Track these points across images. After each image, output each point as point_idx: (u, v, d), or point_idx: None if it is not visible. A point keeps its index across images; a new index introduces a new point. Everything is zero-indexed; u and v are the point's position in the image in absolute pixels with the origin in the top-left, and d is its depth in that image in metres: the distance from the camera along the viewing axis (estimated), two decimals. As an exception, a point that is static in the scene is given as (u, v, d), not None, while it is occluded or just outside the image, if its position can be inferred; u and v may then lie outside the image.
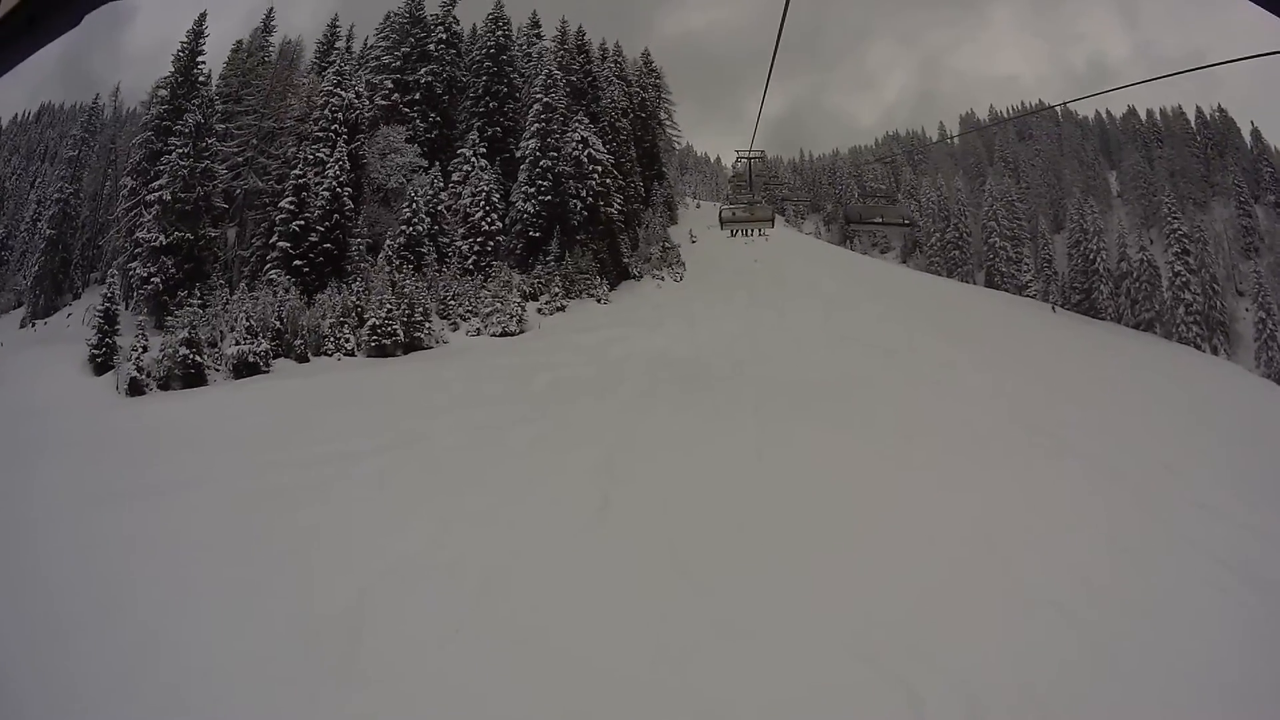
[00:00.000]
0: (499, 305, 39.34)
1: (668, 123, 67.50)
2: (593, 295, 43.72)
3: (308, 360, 34.45)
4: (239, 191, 43.79)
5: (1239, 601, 13.88)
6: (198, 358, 32.74)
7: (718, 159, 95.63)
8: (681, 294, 45.18)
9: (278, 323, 34.94)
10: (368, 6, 64.10)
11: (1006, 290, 58.14)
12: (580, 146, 46.62)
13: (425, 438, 20.45)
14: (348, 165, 42.17)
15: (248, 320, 34.23)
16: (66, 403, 28.86)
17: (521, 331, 38.90)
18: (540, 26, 57.43)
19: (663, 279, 48.07)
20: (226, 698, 10.15)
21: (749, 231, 26.16)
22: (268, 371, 33.23)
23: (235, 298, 37.13)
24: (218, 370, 33.22)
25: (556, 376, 28.02)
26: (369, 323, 35.68)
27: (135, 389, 31.83)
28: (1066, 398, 27.48)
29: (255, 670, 10.57)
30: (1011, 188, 65.42)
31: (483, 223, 43.93)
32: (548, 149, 46.90)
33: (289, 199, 40.66)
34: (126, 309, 38.83)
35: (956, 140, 79.01)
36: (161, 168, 41.14)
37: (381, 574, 12.95)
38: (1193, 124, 68.98)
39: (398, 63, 50.71)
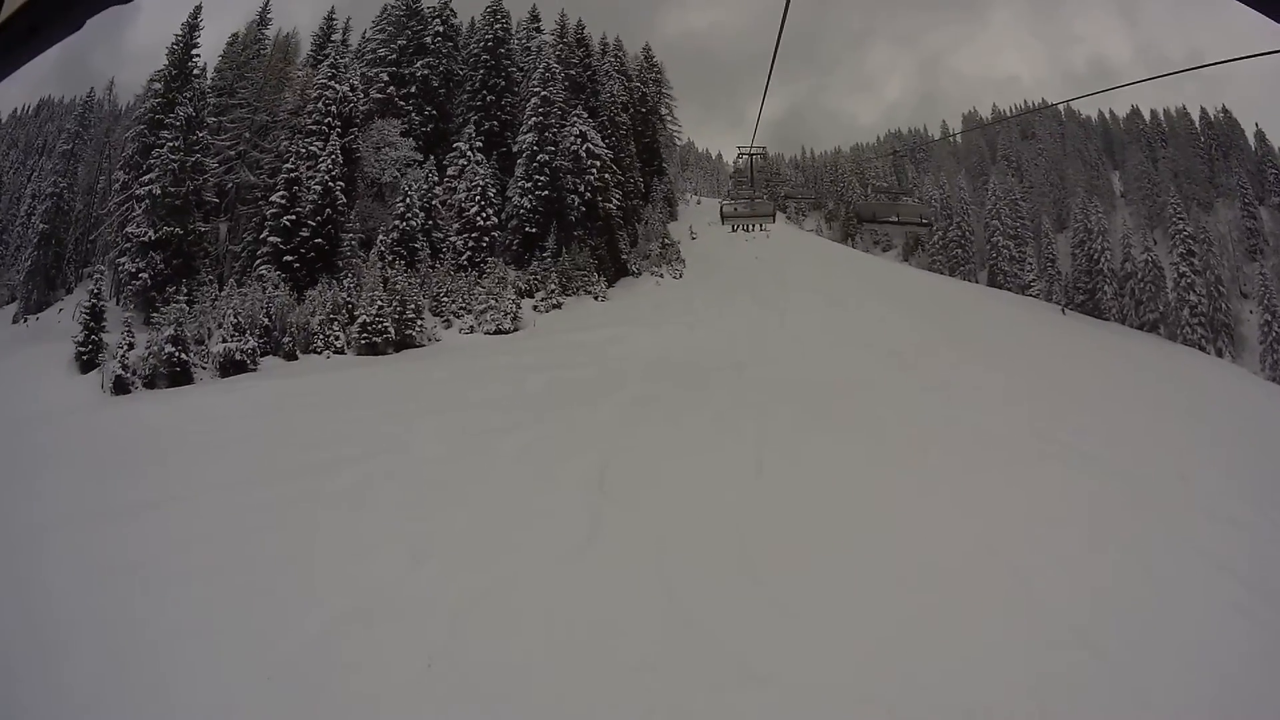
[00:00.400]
0: (493, 302, 38.44)
1: (668, 118, 66.63)
2: (590, 292, 42.80)
3: (296, 358, 33.65)
4: (230, 186, 42.99)
5: (1261, 623, 13.03)
6: (184, 356, 31.96)
7: (719, 155, 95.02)
8: (681, 292, 44.25)
9: (266, 320, 34.13)
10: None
11: (1009, 290, 57.52)
12: (579, 141, 45.74)
13: (408, 447, 19.44)
14: (341, 159, 41.33)
15: (235, 317, 33.41)
16: (45, 405, 28.02)
17: (516, 329, 38.03)
18: (539, 20, 56.61)
19: (662, 276, 47.17)
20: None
21: (749, 227, 26.50)
22: (255, 370, 32.44)
23: (224, 294, 36.36)
24: (204, 368, 32.45)
25: (550, 378, 26.99)
26: (359, 320, 34.84)
27: (120, 388, 31.13)
28: (1078, 403, 26.51)
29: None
30: (1015, 186, 64.85)
31: (478, 218, 43.03)
32: (545, 143, 46.01)
33: (280, 193, 39.85)
34: (117, 304, 38.19)
35: (959, 138, 78.63)
36: (152, 161, 40.38)
37: (347, 609, 11.96)
38: (1197, 125, 68.69)
39: (394, 56, 49.84)
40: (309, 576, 12.91)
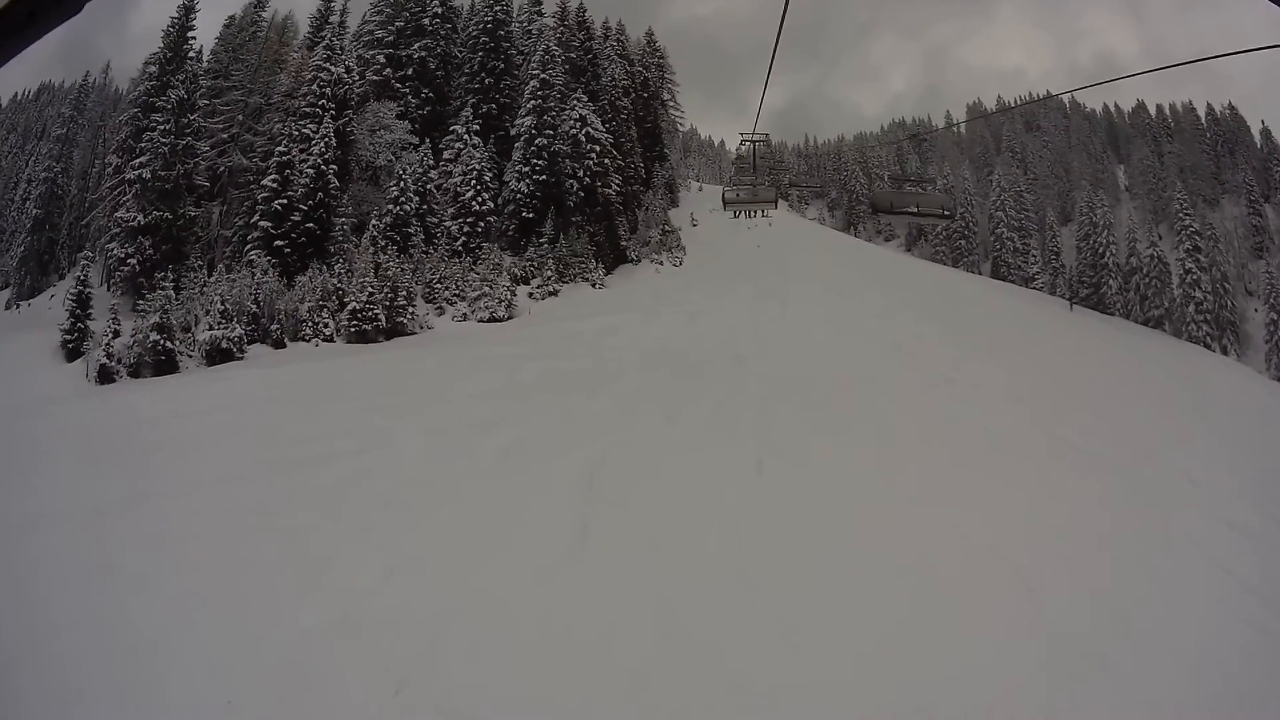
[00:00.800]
0: (487, 289, 37.52)
1: (671, 103, 65.76)
2: (587, 279, 41.86)
3: (284, 346, 32.85)
4: (223, 169, 42.19)
5: (1268, 633, 12.26)
6: (169, 344, 31.18)
7: (721, 143, 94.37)
8: (681, 280, 43.37)
9: (254, 306, 33.31)
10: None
11: (1012, 281, 57.06)
12: (578, 125, 44.76)
13: (393, 442, 18.54)
14: (334, 142, 40.41)
15: (223, 304, 32.62)
16: (24, 395, 27.31)
17: (510, 317, 37.14)
18: (541, 3, 55.56)
19: (661, 263, 46.25)
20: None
21: (751, 213, 25.95)
22: (242, 358, 31.68)
23: (212, 280, 35.57)
24: (190, 357, 31.68)
25: (544, 368, 26.07)
26: (349, 307, 33.96)
27: (105, 377, 30.44)
28: (1085, 401, 25.60)
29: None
30: (1019, 178, 64.40)
31: (473, 202, 42.09)
32: (544, 127, 45.02)
33: (272, 176, 38.98)
34: (109, 291, 37.52)
35: (963, 129, 78.26)
36: (143, 145, 39.61)
37: (313, 625, 11.02)
38: (1203, 120, 68.31)
39: (391, 38, 48.85)
40: (275, 588, 11.99)
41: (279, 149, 39.91)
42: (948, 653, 10.60)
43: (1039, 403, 24.75)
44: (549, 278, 40.65)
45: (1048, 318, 45.01)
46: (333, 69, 42.69)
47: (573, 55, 50.41)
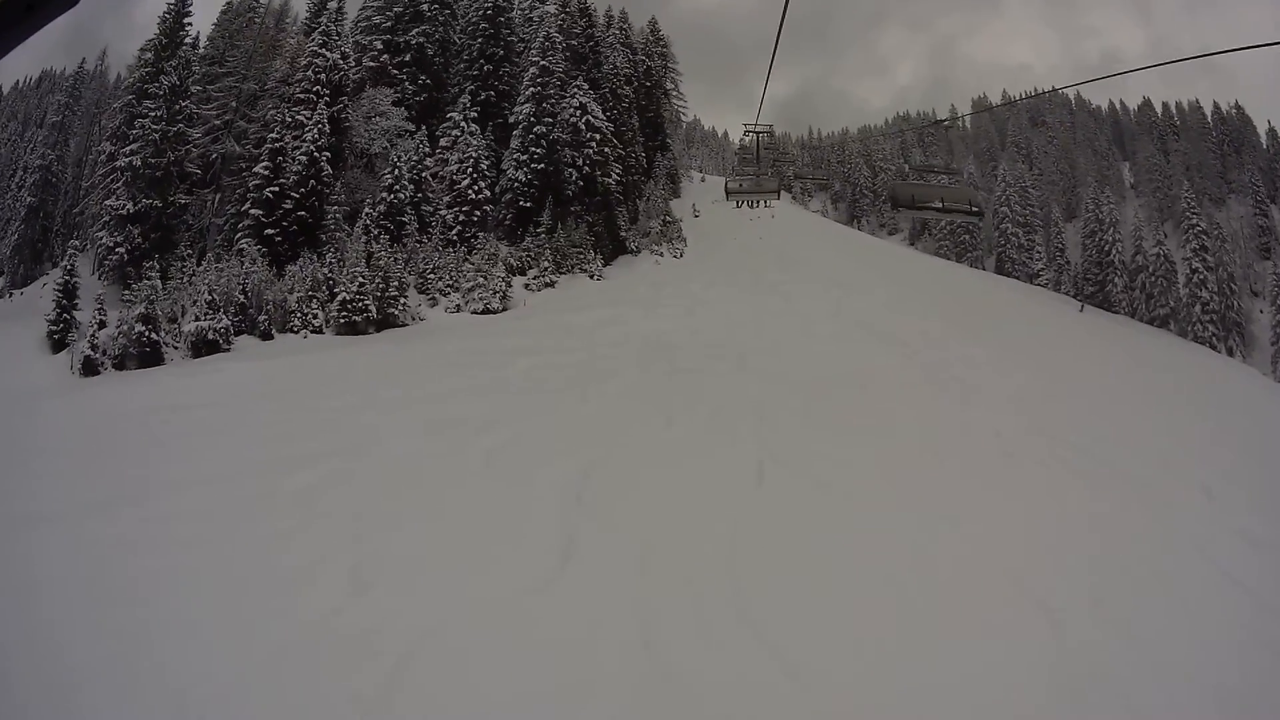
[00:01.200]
0: (481, 280, 36.49)
1: (674, 93, 64.89)
2: (585, 271, 40.88)
3: (272, 338, 31.96)
4: (215, 156, 41.37)
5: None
6: (154, 335, 30.33)
7: (725, 134, 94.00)
8: (682, 272, 42.37)
9: (242, 296, 32.43)
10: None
11: (1016, 277, 56.60)
12: (578, 113, 43.75)
13: (373, 443, 17.53)
14: (328, 129, 39.53)
15: (210, 294, 31.75)
16: (2, 387, 26.59)
17: (505, 309, 36.13)
18: (544, -10, 54.61)
19: (662, 255, 45.31)
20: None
21: (754, 204, 25.49)
22: (228, 350, 30.82)
23: (201, 269, 34.74)
24: (176, 348, 30.86)
25: (537, 364, 25.11)
26: (339, 297, 33.03)
27: (89, 369, 29.66)
28: (1098, 406, 24.65)
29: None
30: (1025, 174, 64.06)
31: (469, 191, 41.07)
32: (543, 114, 44.00)
33: (264, 164, 38.12)
34: (100, 280, 36.81)
35: (968, 124, 78.07)
36: (134, 132, 38.84)
37: (270, 650, 10.05)
38: (1209, 119, 68.20)
39: (389, 23, 47.95)
40: (235, 605, 11.06)
41: (272, 135, 39.07)
42: (965, 702, 9.62)
43: (1049, 406, 23.78)
44: (546, 269, 39.65)
45: (1057, 317, 44.08)
46: (328, 54, 41.78)
47: (574, 42, 49.40)
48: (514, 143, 43.83)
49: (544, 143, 43.47)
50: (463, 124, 43.05)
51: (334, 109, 40.95)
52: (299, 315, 32.56)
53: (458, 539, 13.04)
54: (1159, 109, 72.99)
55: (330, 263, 34.76)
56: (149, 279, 33.25)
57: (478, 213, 41.00)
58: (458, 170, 41.35)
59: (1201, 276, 49.32)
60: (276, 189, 37.42)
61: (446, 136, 42.93)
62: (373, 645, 10.18)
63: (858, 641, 10.57)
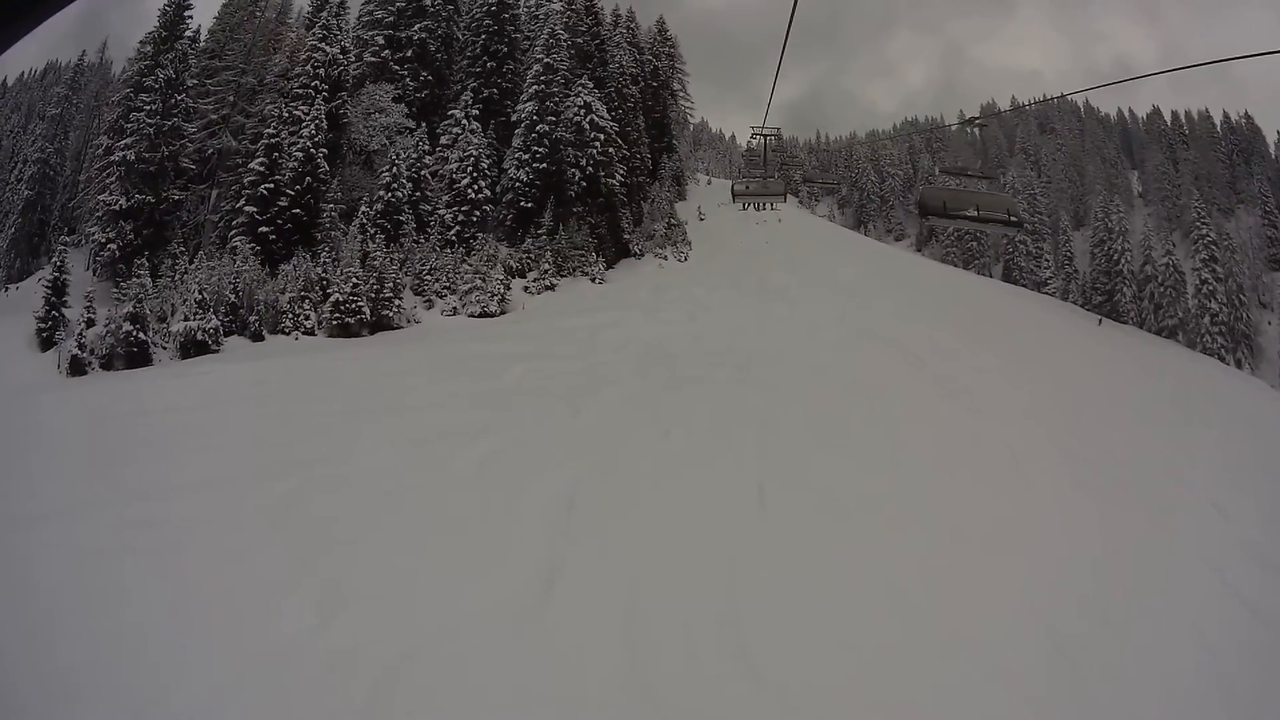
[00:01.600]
0: (479, 282, 35.58)
1: (681, 94, 64.04)
2: (587, 274, 39.99)
3: (263, 339, 31.16)
4: (212, 152, 40.60)
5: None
6: (142, 335, 29.56)
7: (732, 137, 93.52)
8: (685, 276, 41.52)
9: (233, 296, 31.63)
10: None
11: (1024, 285, 55.96)
12: (582, 112, 42.85)
13: (354, 454, 16.71)
14: (325, 125, 38.73)
15: (200, 293, 30.93)
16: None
17: (503, 312, 35.23)
18: (551, -12, 53.78)
19: (666, 258, 44.47)
20: None
21: (760, 206, 25.68)
22: (217, 351, 30.06)
23: (193, 267, 33.93)
24: (165, 349, 30.09)
25: (532, 370, 24.27)
26: (332, 298, 32.18)
27: (76, 368, 29.01)
28: (1112, 422, 24.03)
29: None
30: (1033, 181, 63.44)
31: (469, 190, 40.19)
32: (546, 113, 43.15)
33: (259, 159, 37.34)
34: (94, 275, 36.16)
35: (978, 132, 77.66)
36: (129, 125, 38.08)
37: (225, 681, 9.21)
38: (1218, 128, 67.73)
39: (391, 18, 47.15)
40: (192, 630, 10.22)
41: (268, 131, 38.28)
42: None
43: (1062, 420, 23.08)
44: (546, 271, 38.74)
45: (1068, 326, 43.24)
46: (328, 49, 41.02)
47: (579, 40, 48.50)
48: (516, 141, 43.00)
49: (547, 142, 42.62)
50: (464, 121, 42.22)
51: (332, 104, 40.19)
52: (291, 316, 31.74)
53: (438, 558, 12.19)
54: (1168, 117, 72.63)
55: (324, 262, 33.94)
56: (138, 277, 32.55)
57: (477, 213, 40.15)
58: (457, 169, 40.50)
59: (1211, 287, 48.86)
60: (271, 186, 36.65)
61: (447, 134, 42.13)
62: (338, 677, 9.36)
63: (862, 680, 9.75)
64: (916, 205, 16.40)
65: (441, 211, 39.82)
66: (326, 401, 21.27)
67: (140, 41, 42.46)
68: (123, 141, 37.89)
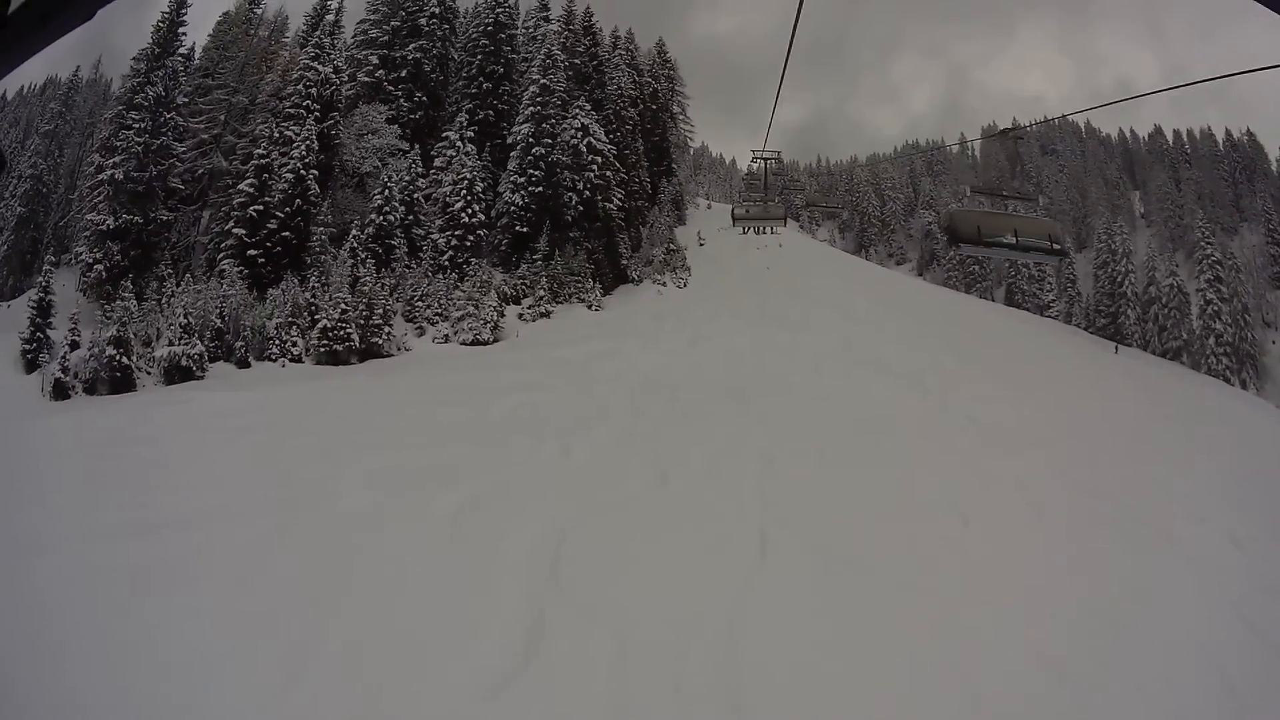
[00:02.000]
0: (472, 309, 34.71)
1: (681, 117, 63.54)
2: (584, 300, 39.18)
3: (248, 365, 30.32)
4: (203, 172, 39.85)
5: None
6: (125, 360, 28.71)
7: (733, 161, 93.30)
8: (684, 302, 40.70)
9: (219, 321, 30.78)
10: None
11: (1026, 309, 55.46)
12: (580, 134, 42.16)
13: (329, 496, 15.55)
14: (316, 145, 37.99)
15: (186, 317, 30.06)
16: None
17: (496, 340, 34.38)
18: (548, 8, 53.32)
19: (664, 284, 43.64)
20: None
21: (760, 230, 25.09)
22: (202, 377, 29.21)
23: (179, 289, 33.07)
24: (149, 374, 29.22)
25: (522, 403, 23.31)
26: (320, 324, 31.30)
27: (60, 392, 28.26)
28: (1123, 451, 23.07)
29: None
30: (1035, 202, 62.97)
31: (463, 214, 39.33)
32: (542, 135, 42.43)
33: (249, 181, 36.56)
34: (84, 296, 35.54)
35: (978, 153, 77.46)
36: (118, 143, 37.39)
37: None
38: (1221, 146, 67.48)
39: (386, 37, 46.65)
40: (149, 698, 9.31)
41: (258, 151, 37.51)
42: None
43: (1072, 453, 22.13)
44: (541, 297, 37.89)
45: (1072, 351, 42.42)
46: (320, 68, 40.34)
47: (577, 61, 47.99)
48: (511, 164, 42.28)
49: (543, 165, 41.91)
50: (459, 143, 41.42)
51: (324, 125, 39.48)
52: (278, 342, 30.87)
53: (404, 624, 11.15)
54: (1170, 136, 72.40)
55: (314, 287, 33.10)
56: (123, 299, 31.78)
57: (471, 237, 39.31)
58: (451, 192, 39.66)
59: (1216, 308, 48.28)
60: (261, 208, 35.93)
61: (441, 156, 41.34)
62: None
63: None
64: (944, 231, 14.77)
65: (434, 236, 39.01)
66: (304, 436, 20.34)
67: (133, 58, 41.90)
68: (112, 160, 37.16)
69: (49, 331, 31.61)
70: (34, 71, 55.39)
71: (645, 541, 14.01)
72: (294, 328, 31.40)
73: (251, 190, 36.21)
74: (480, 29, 47.72)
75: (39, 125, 51.65)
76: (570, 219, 41.19)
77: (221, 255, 35.63)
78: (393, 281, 35.29)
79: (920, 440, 21.94)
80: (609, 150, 43.04)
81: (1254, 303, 50.90)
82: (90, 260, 36.05)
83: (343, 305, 31.40)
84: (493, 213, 41.19)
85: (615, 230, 42.92)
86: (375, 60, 45.41)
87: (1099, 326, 51.18)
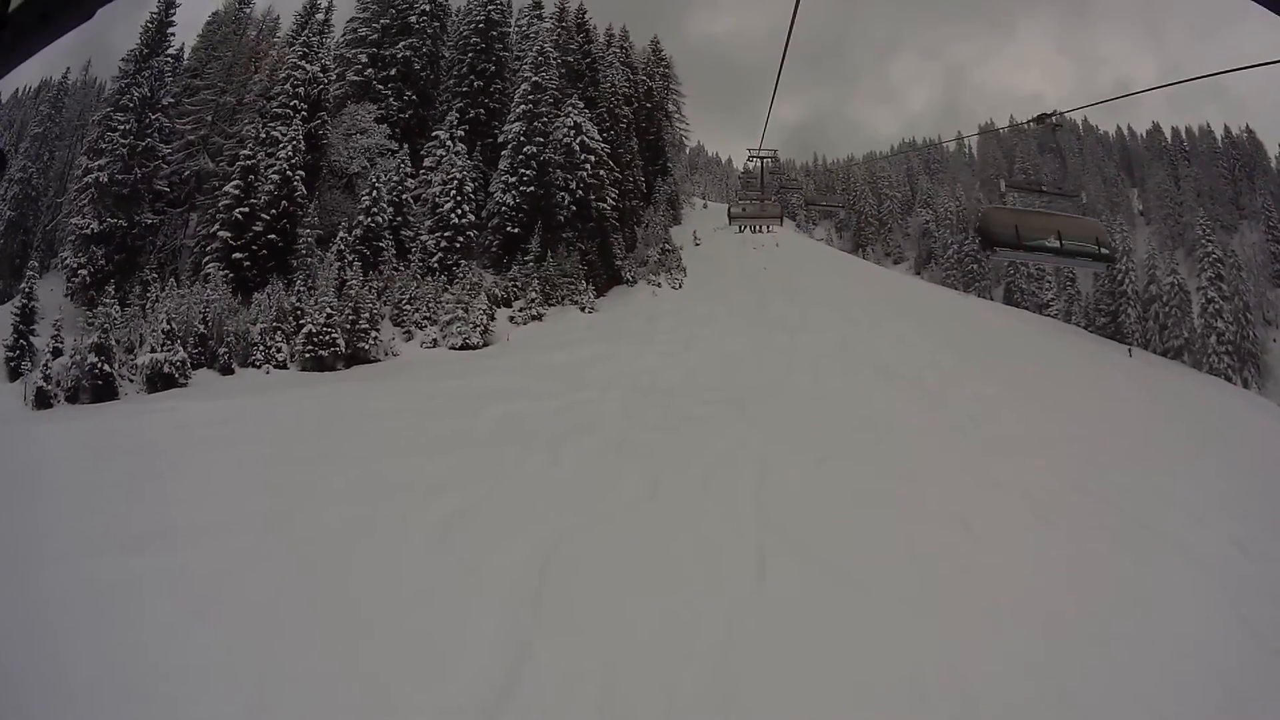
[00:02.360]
0: (461, 312, 33.95)
1: (676, 115, 62.92)
2: (576, 302, 38.46)
3: (232, 372, 29.60)
4: (189, 174, 39.16)
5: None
6: (107, 367, 28.02)
7: (729, 161, 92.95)
8: (680, 303, 40.05)
9: (202, 327, 30.09)
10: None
11: (1025, 308, 55.06)
12: (572, 133, 41.41)
13: (307, 510, 14.89)
14: (303, 146, 37.28)
15: (169, 323, 29.37)
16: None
17: (486, 344, 33.57)
18: (541, 7, 52.71)
19: (659, 285, 42.95)
20: None
21: (756, 228, 24.72)
22: (185, 385, 28.50)
23: (164, 294, 32.37)
24: (131, 381, 28.55)
25: (511, 411, 22.57)
26: (305, 329, 30.59)
27: (42, 401, 27.56)
28: (1126, 454, 22.65)
29: None
30: (1034, 201, 62.61)
31: (453, 215, 38.51)
32: (534, 134, 41.72)
33: (235, 182, 35.84)
34: (71, 301, 34.90)
35: (975, 152, 77.15)
36: (103, 146, 36.72)
37: None
38: (1220, 143, 67.33)
39: (375, 36, 46.00)
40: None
41: (244, 152, 36.76)
42: None
43: (1075, 456, 21.78)
44: (533, 300, 37.15)
45: (1074, 351, 41.87)
46: (308, 67, 39.62)
47: (570, 59, 47.29)
48: (502, 164, 41.55)
49: (534, 164, 41.20)
50: (449, 143, 40.69)
51: (311, 125, 38.80)
52: (262, 348, 30.16)
53: (380, 651, 10.49)
54: (1168, 134, 72.04)
55: (299, 290, 32.40)
56: (104, 305, 31.15)
57: (461, 239, 38.49)
58: (441, 192, 38.86)
59: (1217, 306, 48.07)
60: (247, 210, 35.18)
61: (431, 156, 40.60)
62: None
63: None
64: (977, 233, 13.55)
65: (424, 237, 38.24)
66: (288, 445, 19.74)
67: (122, 59, 41.25)
68: (97, 162, 36.51)
69: (33, 339, 30.91)
70: (30, 74, 54.80)
71: (636, 559, 13.37)
72: (279, 333, 30.70)
73: (237, 192, 35.47)
74: (471, 27, 47.04)
75: (30, 128, 51.06)
76: (563, 219, 40.46)
77: (207, 258, 34.92)
78: (380, 285, 34.54)
79: (921, 446, 21.54)
80: (603, 149, 42.33)
81: (1255, 301, 50.77)
82: (75, 265, 35.34)
83: (328, 310, 30.64)
84: (483, 213, 40.44)
85: (609, 230, 42.21)
86: (364, 59, 44.80)
87: (1098, 325, 50.92)
